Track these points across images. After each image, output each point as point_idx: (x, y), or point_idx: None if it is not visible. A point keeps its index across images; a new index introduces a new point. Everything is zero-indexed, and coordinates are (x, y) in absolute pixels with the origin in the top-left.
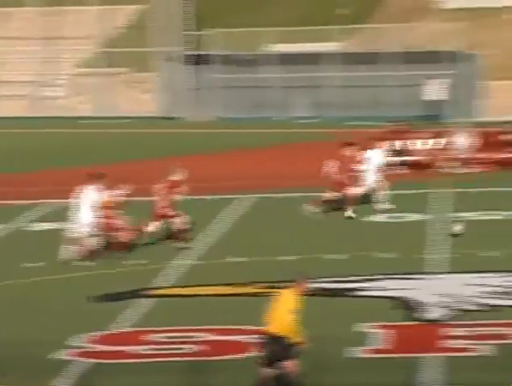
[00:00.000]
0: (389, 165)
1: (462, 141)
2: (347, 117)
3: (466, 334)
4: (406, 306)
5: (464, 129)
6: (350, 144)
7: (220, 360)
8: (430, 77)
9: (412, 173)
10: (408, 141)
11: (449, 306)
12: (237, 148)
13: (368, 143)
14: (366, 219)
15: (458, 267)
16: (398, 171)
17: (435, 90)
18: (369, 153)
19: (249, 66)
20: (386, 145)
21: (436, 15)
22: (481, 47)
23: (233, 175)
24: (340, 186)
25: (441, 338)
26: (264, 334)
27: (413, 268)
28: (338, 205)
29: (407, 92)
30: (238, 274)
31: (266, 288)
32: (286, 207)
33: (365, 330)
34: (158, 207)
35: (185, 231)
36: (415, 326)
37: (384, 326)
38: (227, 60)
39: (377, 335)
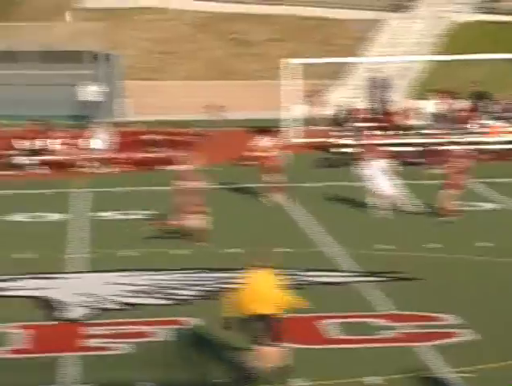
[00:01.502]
0: (30, 164)
1: (102, 140)
2: None
3: (106, 333)
4: (47, 306)
5: (105, 129)
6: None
7: None
8: (78, 77)
9: (53, 172)
10: (48, 141)
11: (89, 305)
12: None
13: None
14: (8, 217)
15: (98, 266)
16: (39, 171)
17: (88, 91)
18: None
19: None
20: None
21: (75, 15)
22: (119, 48)
23: None
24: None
25: (81, 337)
26: (254, 315)
27: (54, 268)
28: None
29: (48, 91)
30: None
31: None
32: None
33: (3, 330)
34: None
35: None
36: (56, 326)
37: (24, 326)
38: None
39: (17, 335)
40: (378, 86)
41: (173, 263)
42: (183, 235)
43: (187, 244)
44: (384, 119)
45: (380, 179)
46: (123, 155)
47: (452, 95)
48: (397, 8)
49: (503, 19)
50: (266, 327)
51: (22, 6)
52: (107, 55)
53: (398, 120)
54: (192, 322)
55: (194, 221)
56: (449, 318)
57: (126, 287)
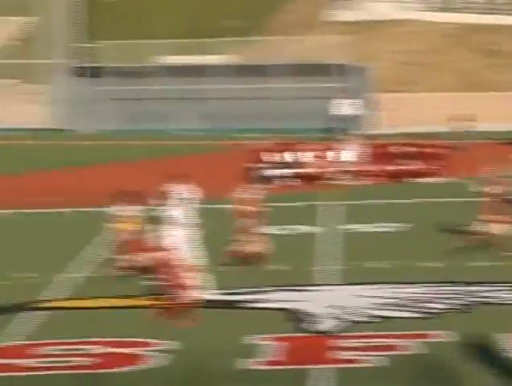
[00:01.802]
0: (280, 177)
1: (353, 153)
2: (237, 129)
3: (356, 345)
4: (297, 318)
5: (355, 141)
6: None
7: (114, 373)
8: (327, 90)
9: (303, 185)
10: (298, 153)
11: (340, 318)
12: (125, 160)
13: None
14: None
15: (348, 278)
16: (290, 183)
17: (344, 105)
18: None
19: (139, 78)
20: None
21: (326, 28)
22: (371, 60)
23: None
24: None
25: (332, 349)
26: None
27: (304, 280)
28: None
29: (298, 104)
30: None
31: (162, 300)
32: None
33: (257, 341)
34: None
35: None
36: (307, 338)
37: (276, 338)
38: (118, 72)
39: (269, 347)
40: None
41: (423, 275)
42: (487, 244)
43: (438, 257)
44: None
45: None
46: (374, 167)
47: None
48: None
49: None
50: None
51: (277, 19)
52: (359, 67)
53: None
54: (443, 335)
55: (498, 228)
56: None
57: (376, 300)
